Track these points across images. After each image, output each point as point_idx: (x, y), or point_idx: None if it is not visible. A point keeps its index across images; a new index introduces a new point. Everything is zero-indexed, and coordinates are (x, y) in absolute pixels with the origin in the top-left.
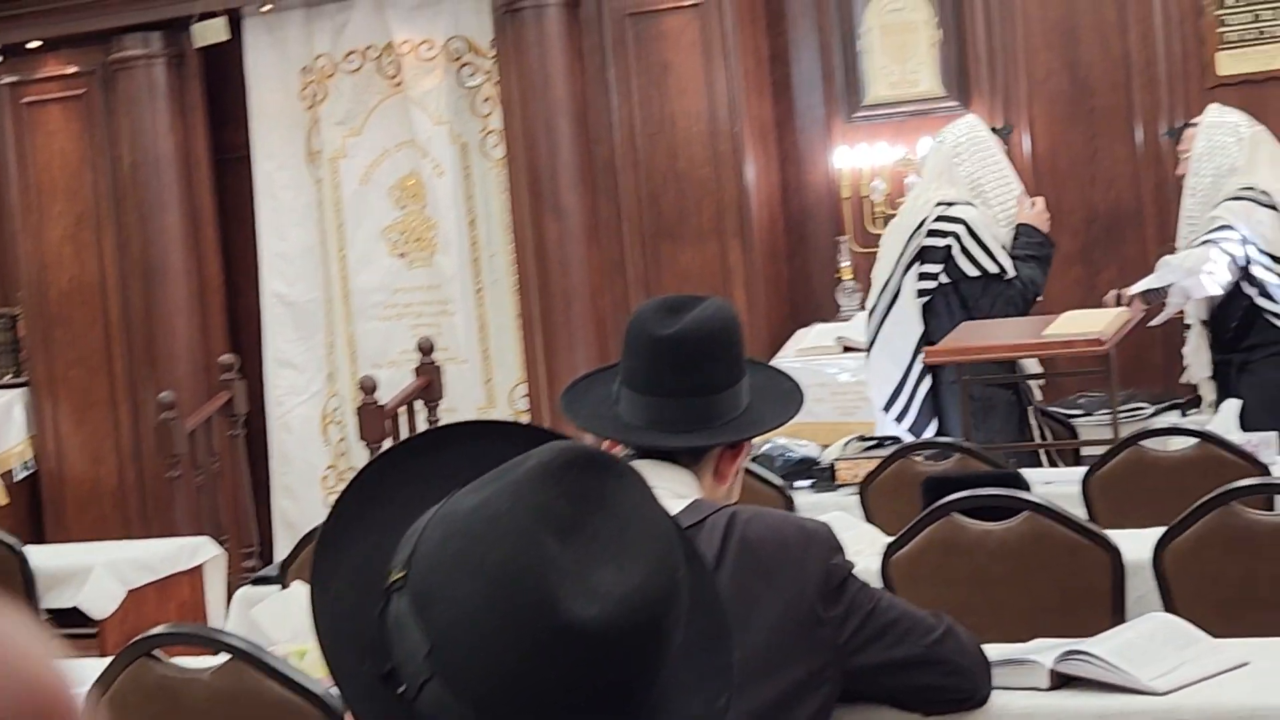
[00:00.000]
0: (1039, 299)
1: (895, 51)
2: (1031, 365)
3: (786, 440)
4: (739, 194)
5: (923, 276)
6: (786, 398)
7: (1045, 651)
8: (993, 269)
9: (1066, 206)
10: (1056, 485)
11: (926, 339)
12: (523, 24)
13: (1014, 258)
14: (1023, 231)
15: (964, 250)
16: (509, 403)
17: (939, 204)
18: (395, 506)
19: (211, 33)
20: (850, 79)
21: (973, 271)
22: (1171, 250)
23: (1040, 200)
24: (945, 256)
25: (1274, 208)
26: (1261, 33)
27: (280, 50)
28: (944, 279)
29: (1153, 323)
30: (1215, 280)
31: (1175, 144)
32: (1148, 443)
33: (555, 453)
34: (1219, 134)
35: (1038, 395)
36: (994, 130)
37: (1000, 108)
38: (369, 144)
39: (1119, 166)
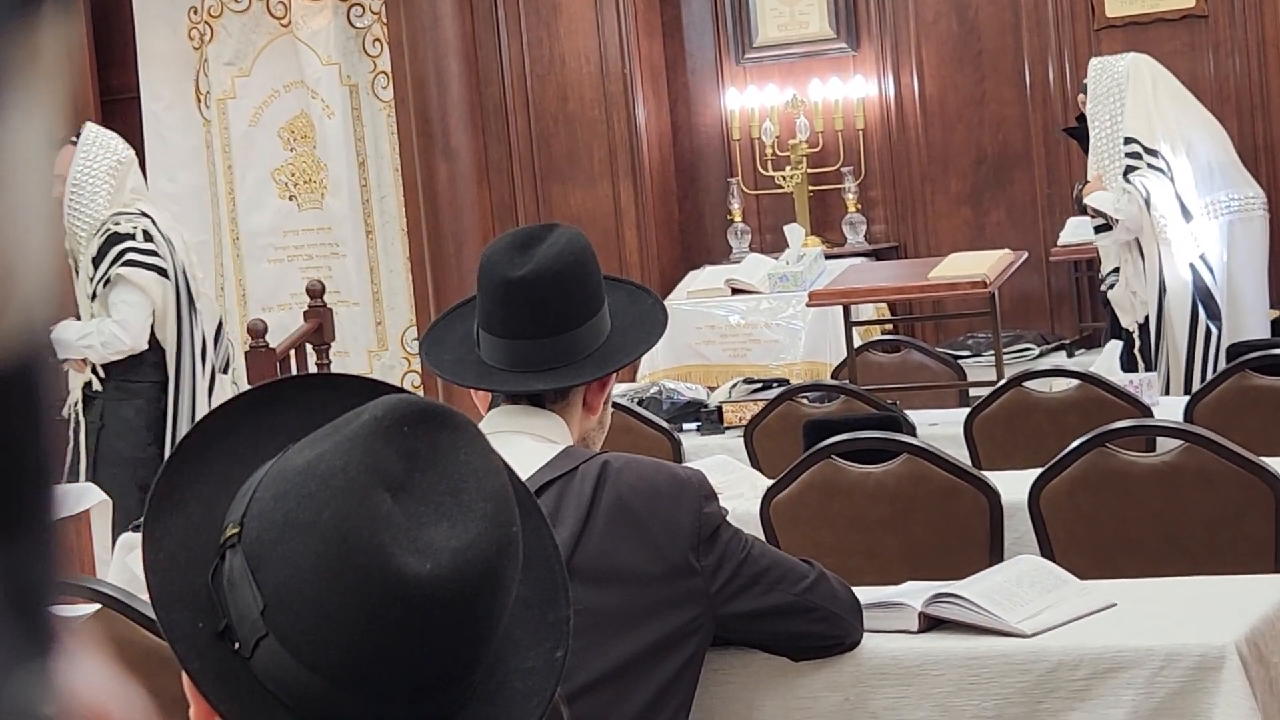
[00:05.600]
0: None
1: None
2: None
3: (674, 383)
4: (630, 135)
5: None
6: (650, 319)
7: (916, 595)
8: None
9: (955, 149)
10: (940, 427)
11: None
12: None
13: None
14: None
15: None
16: (400, 345)
17: None
18: (230, 463)
19: None
20: (740, 20)
21: None
22: (1064, 194)
23: None
24: None
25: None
26: None
27: None
28: None
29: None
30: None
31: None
32: (1032, 384)
33: (388, 408)
34: (1101, 87)
35: None
36: None
37: (889, 50)
38: (258, 85)
39: (1007, 109)
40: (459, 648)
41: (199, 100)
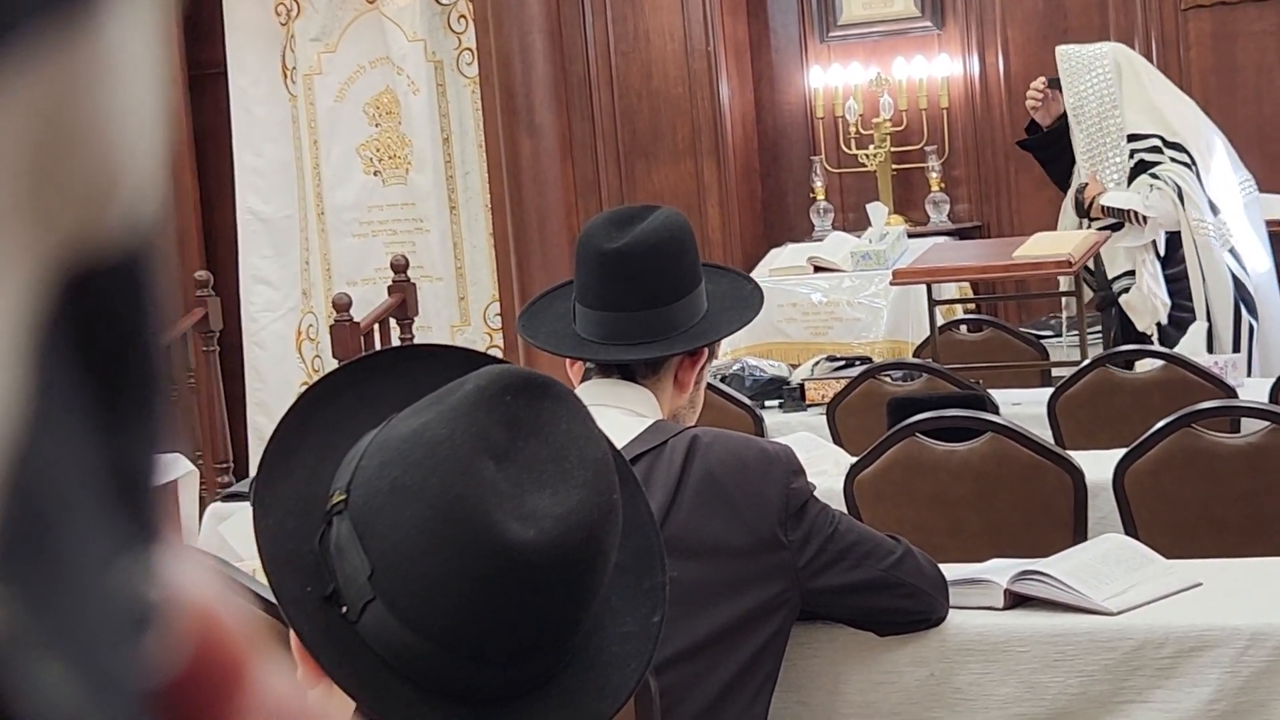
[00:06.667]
0: None
1: None
2: None
3: (756, 360)
4: (713, 113)
5: None
6: (745, 302)
7: (1001, 572)
8: None
9: None
10: (1024, 406)
11: None
12: None
13: None
14: None
15: None
16: (483, 320)
17: None
18: (335, 431)
19: None
20: None
21: None
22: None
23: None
24: None
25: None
26: None
27: None
28: None
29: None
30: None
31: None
32: (1115, 364)
33: (491, 378)
34: (1082, 80)
35: None
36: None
37: (975, 29)
38: (344, 61)
39: None
40: (560, 612)
41: (285, 75)
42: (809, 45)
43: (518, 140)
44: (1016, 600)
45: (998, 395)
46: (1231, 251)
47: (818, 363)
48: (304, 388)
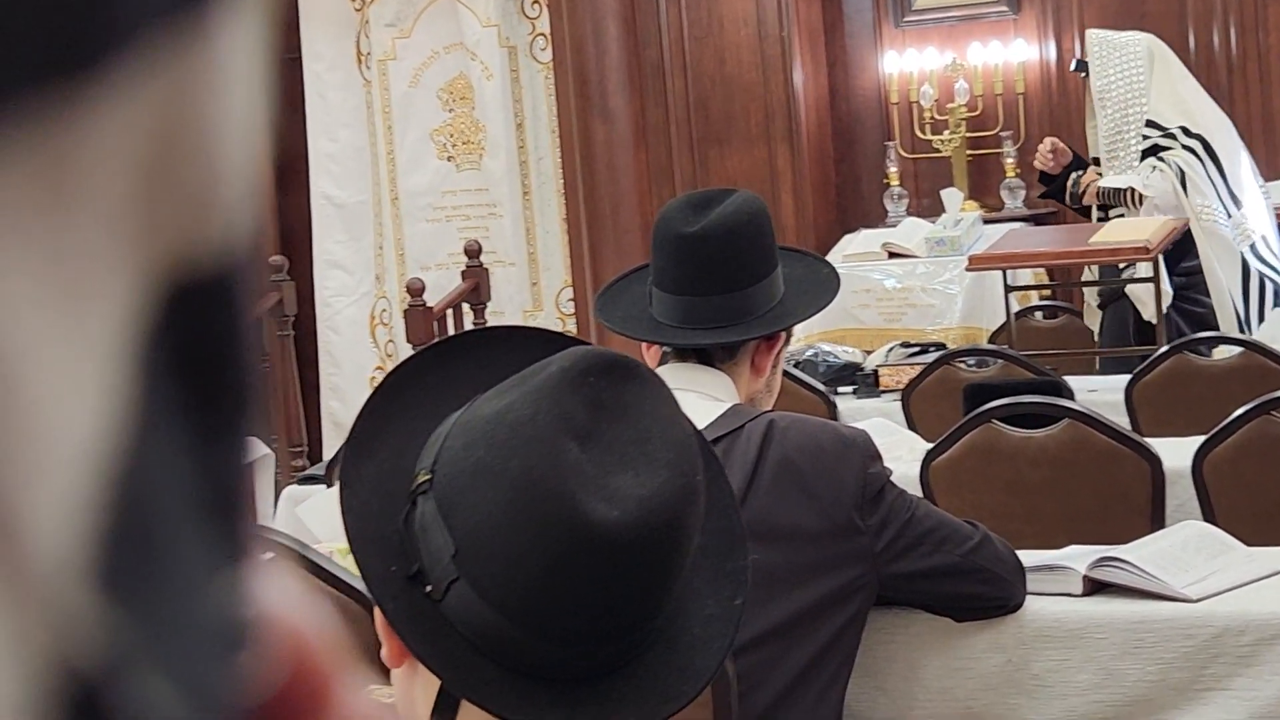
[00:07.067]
0: None
1: None
2: None
3: (830, 346)
4: (787, 98)
5: None
6: (822, 286)
7: (1080, 558)
8: None
9: None
10: (1100, 393)
11: None
12: None
13: None
14: None
15: None
16: (555, 306)
17: None
18: (419, 412)
19: None
20: None
21: None
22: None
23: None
24: None
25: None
26: None
27: None
28: None
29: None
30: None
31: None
32: (1194, 351)
33: (576, 359)
34: (1112, 66)
35: None
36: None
37: (1051, 14)
38: (418, 46)
39: None
40: (643, 593)
41: (360, 61)
42: (884, 30)
43: (591, 126)
44: (1095, 587)
45: (1074, 382)
46: (1252, 248)
47: (892, 349)
48: (378, 372)
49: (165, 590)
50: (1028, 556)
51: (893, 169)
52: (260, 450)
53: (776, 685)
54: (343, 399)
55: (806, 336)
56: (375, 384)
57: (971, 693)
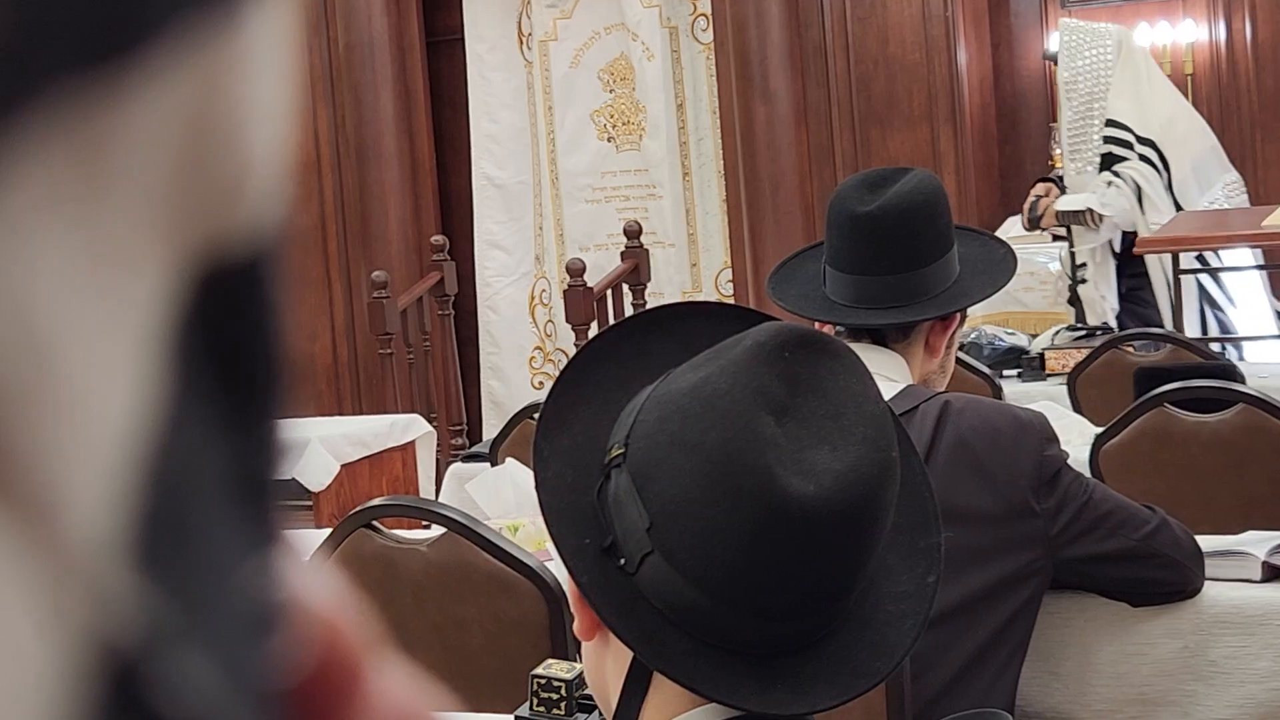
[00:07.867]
0: None
1: None
2: None
3: (995, 329)
4: (950, 79)
5: None
6: (998, 267)
7: (1258, 544)
8: None
9: None
10: (1271, 379)
11: None
12: None
13: None
14: None
15: None
16: (715, 287)
17: None
18: (611, 386)
19: None
20: None
21: None
22: None
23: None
24: None
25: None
26: None
27: None
28: None
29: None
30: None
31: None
32: None
33: (771, 333)
34: (1081, 57)
35: None
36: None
37: None
38: (579, 27)
39: None
40: (838, 568)
41: (521, 42)
42: (1049, 10)
43: (752, 106)
44: (1274, 573)
45: (1245, 367)
46: (1199, 257)
47: (1058, 332)
48: (537, 352)
49: (199, 572)
50: (1206, 541)
51: (1057, 151)
52: (422, 427)
53: (949, 669)
54: (502, 378)
55: (971, 319)
56: (534, 363)
57: (1147, 679)
